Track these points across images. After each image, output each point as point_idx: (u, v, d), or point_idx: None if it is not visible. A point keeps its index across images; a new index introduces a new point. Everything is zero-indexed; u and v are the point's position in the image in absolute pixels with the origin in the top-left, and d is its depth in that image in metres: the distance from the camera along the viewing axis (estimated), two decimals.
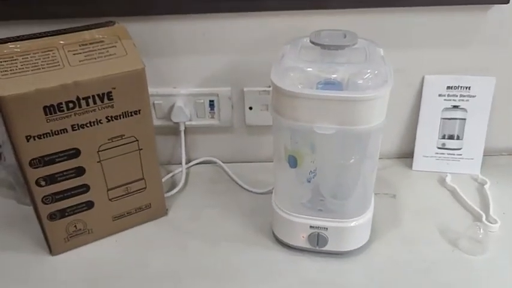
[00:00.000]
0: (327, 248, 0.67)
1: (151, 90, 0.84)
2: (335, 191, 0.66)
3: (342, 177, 0.65)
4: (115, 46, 0.67)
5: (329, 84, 0.58)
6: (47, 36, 0.65)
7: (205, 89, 0.86)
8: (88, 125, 0.65)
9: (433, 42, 0.82)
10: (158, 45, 0.82)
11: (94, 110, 0.64)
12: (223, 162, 0.92)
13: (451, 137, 0.86)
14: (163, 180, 0.88)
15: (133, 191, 0.74)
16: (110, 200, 0.72)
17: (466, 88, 0.82)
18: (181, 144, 0.89)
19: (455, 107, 0.84)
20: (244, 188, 0.85)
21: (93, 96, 0.64)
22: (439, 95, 0.84)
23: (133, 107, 0.67)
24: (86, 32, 0.67)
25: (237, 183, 0.86)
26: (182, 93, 0.86)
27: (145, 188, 0.75)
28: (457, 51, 0.83)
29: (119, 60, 0.66)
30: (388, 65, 0.61)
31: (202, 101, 0.87)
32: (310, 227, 0.65)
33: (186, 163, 0.93)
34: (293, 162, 0.63)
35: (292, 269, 0.68)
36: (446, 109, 0.85)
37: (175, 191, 0.84)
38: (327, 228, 0.65)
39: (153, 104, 0.86)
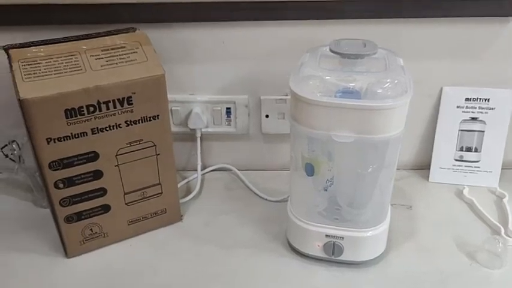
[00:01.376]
0: (342, 257, 0.66)
1: (169, 96, 0.86)
2: (352, 200, 0.66)
3: (359, 186, 0.65)
4: (136, 52, 0.68)
5: (347, 92, 0.58)
6: (70, 41, 0.66)
7: (223, 96, 0.87)
8: (107, 128, 0.66)
9: (452, 53, 0.82)
10: (177, 52, 0.83)
11: (114, 114, 0.65)
12: (238, 170, 0.92)
13: (469, 149, 0.85)
14: (178, 186, 0.88)
15: (150, 196, 0.74)
16: (126, 204, 0.73)
17: (485, 100, 0.82)
18: (197, 150, 0.89)
19: (473, 118, 0.83)
20: (260, 196, 0.85)
21: (114, 100, 0.64)
22: (457, 107, 0.83)
23: (152, 112, 0.68)
24: (107, 37, 0.68)
25: (252, 191, 0.86)
26: (199, 100, 0.87)
27: (161, 193, 0.75)
28: (476, 63, 0.82)
29: (140, 66, 0.66)
30: (407, 74, 0.61)
31: (219, 108, 0.87)
32: (326, 235, 0.65)
33: (202, 170, 0.93)
34: (310, 170, 0.63)
35: (306, 278, 0.67)
36: (465, 121, 0.84)
37: (190, 197, 0.85)
38: (343, 238, 0.64)
39: (171, 110, 0.87)
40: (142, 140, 0.69)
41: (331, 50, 0.62)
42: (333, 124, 0.57)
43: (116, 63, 0.66)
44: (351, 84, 0.59)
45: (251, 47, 0.82)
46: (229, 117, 0.88)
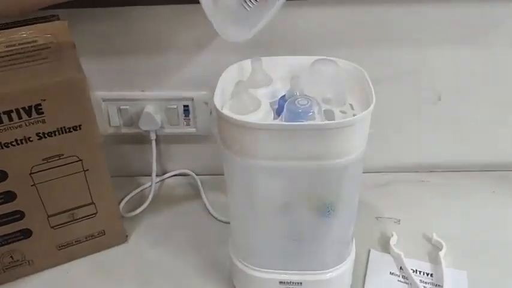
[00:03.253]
0: None
1: (116, 94, 0.74)
2: (308, 237, 0.52)
3: (315, 220, 0.51)
4: (49, 48, 0.55)
5: (293, 112, 0.45)
6: None
7: (179, 92, 0.74)
8: (14, 143, 0.54)
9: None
10: (123, 43, 0.70)
11: (20, 126, 0.53)
12: (201, 175, 0.80)
13: None
14: (132, 194, 0.77)
15: (81, 217, 0.63)
16: (52, 227, 0.62)
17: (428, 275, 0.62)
18: (152, 155, 0.77)
19: None
20: (212, 215, 0.73)
21: (18, 109, 0.52)
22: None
23: (72, 122, 0.56)
24: (17, 29, 0.56)
25: (207, 209, 0.74)
26: (151, 98, 0.74)
27: (96, 213, 0.64)
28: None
29: (52, 66, 0.54)
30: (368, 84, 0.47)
31: (175, 106, 0.75)
32: (280, 282, 0.52)
33: (161, 175, 0.82)
34: (252, 203, 0.50)
35: None
36: None
37: (140, 210, 0.73)
38: (301, 283, 0.52)
39: (119, 109, 0.75)
40: (62, 154, 0.57)
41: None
42: (277, 150, 0.44)
43: (21, 63, 0.53)
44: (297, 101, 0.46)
45: (211, 36, 0.69)
46: (188, 116, 0.76)
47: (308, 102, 0.44)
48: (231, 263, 0.56)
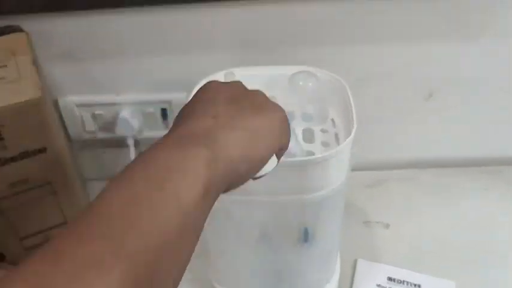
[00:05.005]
0: None
1: (89, 98, 0.70)
2: (288, 267, 0.50)
3: (295, 249, 0.49)
4: (5, 66, 0.51)
5: None
6: None
7: (155, 95, 0.70)
8: None
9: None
10: (94, 45, 0.65)
11: None
12: None
13: None
14: None
15: None
16: (25, 249, 0.59)
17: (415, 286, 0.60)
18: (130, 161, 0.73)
19: None
20: None
21: None
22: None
23: (35, 145, 0.52)
24: None
25: None
26: (127, 102, 0.70)
27: None
28: None
29: (9, 87, 0.50)
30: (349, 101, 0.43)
31: (152, 110, 0.71)
32: None
33: None
34: (226, 234, 0.47)
35: None
36: None
37: None
38: None
39: (93, 114, 0.71)
40: (28, 179, 0.54)
41: None
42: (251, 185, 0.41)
43: None
44: None
45: (189, 34, 0.64)
46: (166, 119, 0.72)
47: None
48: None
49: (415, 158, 0.76)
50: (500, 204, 0.70)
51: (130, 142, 0.72)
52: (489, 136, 0.73)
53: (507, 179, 0.73)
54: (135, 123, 0.71)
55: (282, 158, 0.35)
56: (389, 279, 0.61)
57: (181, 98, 0.69)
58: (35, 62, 0.52)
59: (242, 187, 0.32)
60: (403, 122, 0.73)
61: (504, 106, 0.70)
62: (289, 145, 0.34)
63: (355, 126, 0.41)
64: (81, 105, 0.70)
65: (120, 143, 0.74)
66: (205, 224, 0.29)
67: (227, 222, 0.45)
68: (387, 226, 0.68)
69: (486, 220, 0.67)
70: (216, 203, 0.29)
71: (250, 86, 0.51)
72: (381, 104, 0.69)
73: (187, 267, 0.27)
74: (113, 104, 0.70)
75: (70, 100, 0.69)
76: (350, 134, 0.43)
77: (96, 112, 0.71)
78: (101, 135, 0.73)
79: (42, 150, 0.53)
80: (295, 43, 0.64)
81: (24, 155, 0.52)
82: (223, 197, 0.41)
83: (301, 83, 0.47)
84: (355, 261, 0.63)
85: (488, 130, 0.73)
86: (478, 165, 0.75)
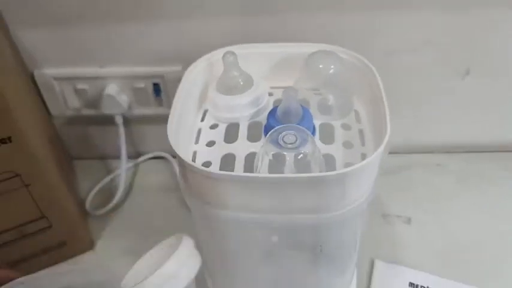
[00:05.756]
0: None
1: (70, 70, 0.61)
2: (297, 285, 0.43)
3: (305, 267, 0.41)
4: None
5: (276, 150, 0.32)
6: None
7: (146, 68, 0.61)
8: None
9: None
10: (74, 7, 0.56)
11: None
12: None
13: None
14: (100, 185, 0.67)
15: (32, 232, 0.54)
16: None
17: None
18: (120, 141, 0.65)
19: None
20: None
21: None
22: None
23: None
24: None
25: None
26: (113, 75, 0.61)
27: (50, 226, 0.54)
28: None
29: None
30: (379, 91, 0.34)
31: (143, 85, 0.62)
32: None
33: (136, 158, 0.71)
34: (228, 254, 0.39)
35: None
36: None
37: (109, 206, 0.64)
38: None
39: (76, 89, 0.62)
40: None
41: None
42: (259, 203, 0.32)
43: None
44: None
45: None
46: (159, 95, 0.63)
47: (297, 140, 0.31)
48: None
49: (442, 142, 0.67)
50: None
51: (119, 120, 0.64)
52: None
53: None
54: (124, 99, 0.62)
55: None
56: (411, 285, 0.53)
57: (175, 71, 0.60)
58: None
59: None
60: (432, 102, 0.63)
61: None
62: None
63: (388, 131, 0.32)
64: (60, 79, 0.61)
65: (109, 120, 0.65)
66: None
67: (224, 241, 0.37)
68: (409, 221, 0.60)
69: None
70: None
71: (254, 68, 0.42)
72: (409, 82, 0.60)
73: None
74: (97, 78, 0.61)
75: (47, 73, 0.60)
76: (377, 132, 0.34)
77: (79, 87, 0.62)
78: (87, 111, 0.64)
79: (7, 140, 0.45)
80: (310, 7, 0.54)
81: None
82: (218, 215, 0.34)
83: (321, 65, 0.37)
84: (372, 262, 0.56)
85: None
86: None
